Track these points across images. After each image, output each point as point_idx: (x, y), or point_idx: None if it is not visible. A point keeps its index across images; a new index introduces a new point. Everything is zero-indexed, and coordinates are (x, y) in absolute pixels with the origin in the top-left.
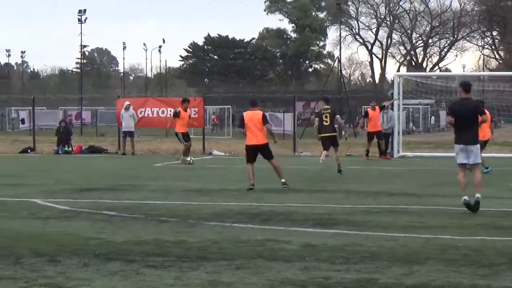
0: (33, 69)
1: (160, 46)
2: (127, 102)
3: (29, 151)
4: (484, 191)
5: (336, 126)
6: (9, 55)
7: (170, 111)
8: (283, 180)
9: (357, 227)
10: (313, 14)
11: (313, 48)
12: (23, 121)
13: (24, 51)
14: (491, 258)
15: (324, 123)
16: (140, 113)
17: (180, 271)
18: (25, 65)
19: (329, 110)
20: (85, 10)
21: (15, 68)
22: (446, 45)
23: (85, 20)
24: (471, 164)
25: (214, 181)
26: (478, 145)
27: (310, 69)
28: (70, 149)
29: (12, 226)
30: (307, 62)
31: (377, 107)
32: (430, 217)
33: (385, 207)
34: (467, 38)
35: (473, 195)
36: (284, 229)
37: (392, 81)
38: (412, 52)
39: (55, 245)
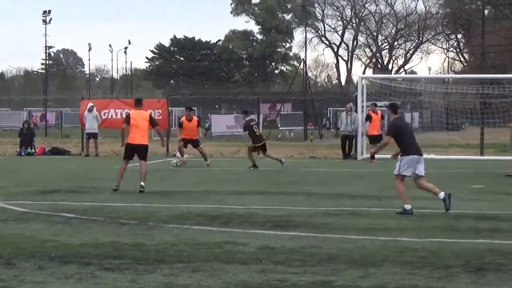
0: None
1: (126, 48)
2: (91, 104)
3: None
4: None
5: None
6: None
7: None
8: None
9: (316, 229)
10: (280, 16)
11: (279, 50)
12: None
13: None
14: (446, 260)
15: (256, 133)
16: (104, 114)
17: (136, 274)
18: None
19: (255, 122)
20: (49, 11)
21: None
22: (411, 47)
23: (49, 21)
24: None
25: (176, 183)
26: None
27: (276, 71)
28: (33, 150)
29: None
30: (273, 64)
31: (379, 111)
32: (389, 219)
33: (346, 209)
34: (432, 41)
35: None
36: (243, 231)
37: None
38: (378, 54)
39: (11, 247)
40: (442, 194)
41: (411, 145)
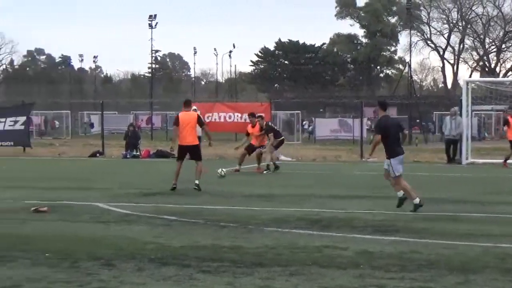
0: (106, 73)
1: (230, 51)
2: (194, 107)
3: (98, 155)
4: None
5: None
6: (82, 60)
7: (238, 116)
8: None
9: (417, 234)
10: (385, 19)
11: (384, 53)
12: (92, 125)
13: (97, 56)
14: None
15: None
16: (208, 118)
17: (233, 277)
18: (98, 70)
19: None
20: (155, 15)
21: (88, 72)
22: None
23: (155, 25)
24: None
25: (277, 186)
26: None
27: (381, 75)
28: (138, 153)
29: (73, 230)
30: (378, 67)
31: None
32: (491, 225)
33: (447, 215)
34: None
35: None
36: (343, 235)
37: None
38: (485, 58)
39: (112, 249)
40: (417, 200)
41: (398, 145)
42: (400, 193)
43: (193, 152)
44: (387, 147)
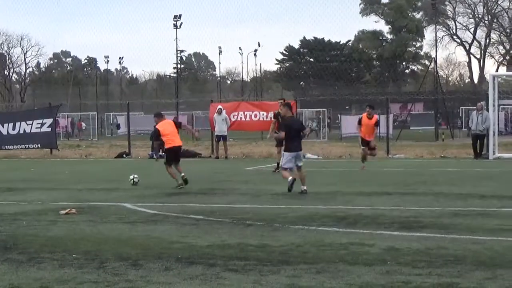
0: (132, 74)
1: (255, 50)
2: (220, 106)
3: (124, 155)
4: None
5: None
6: (107, 62)
7: (263, 115)
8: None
9: (444, 230)
10: (410, 15)
11: (409, 49)
12: (118, 126)
13: (122, 57)
14: None
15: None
16: (233, 117)
17: (260, 275)
18: (124, 71)
19: None
20: (180, 16)
21: (114, 74)
22: None
23: (180, 26)
24: (299, 166)
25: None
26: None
27: (407, 71)
28: (164, 153)
29: (100, 230)
30: (403, 63)
31: None
32: None
33: (475, 210)
34: None
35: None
36: (369, 232)
37: None
38: None
39: (139, 249)
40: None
41: (296, 142)
42: (290, 180)
43: (179, 152)
44: (285, 143)
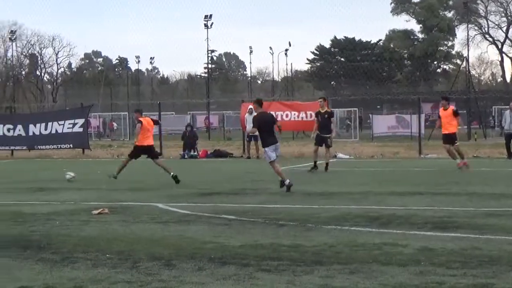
0: (163, 74)
1: (286, 50)
2: (251, 106)
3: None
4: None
5: None
6: (138, 62)
7: (295, 114)
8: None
9: (478, 230)
10: (441, 13)
11: (441, 48)
12: None
13: (153, 57)
14: None
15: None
16: None
17: (293, 275)
18: (155, 71)
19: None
20: (211, 16)
21: (145, 74)
22: None
23: (211, 26)
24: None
25: (336, 184)
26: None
27: (438, 70)
28: (196, 153)
29: (133, 230)
30: (435, 62)
31: None
32: None
33: (509, 210)
34: None
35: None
36: (402, 232)
37: None
38: None
39: (172, 249)
40: (287, 181)
41: (271, 135)
42: (288, 182)
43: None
44: (262, 138)
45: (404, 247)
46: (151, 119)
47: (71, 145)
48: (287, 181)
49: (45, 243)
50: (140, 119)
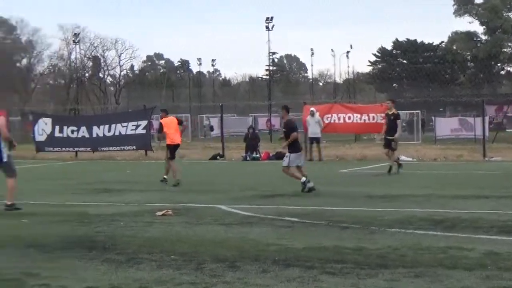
0: (224, 77)
1: (347, 52)
2: (312, 109)
3: (218, 157)
4: None
5: None
6: (200, 64)
7: (357, 117)
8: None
9: None
10: (505, 15)
11: (505, 50)
12: (211, 128)
13: (215, 59)
14: None
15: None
16: (326, 119)
17: (357, 278)
18: (217, 73)
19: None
20: (272, 18)
21: (206, 76)
22: None
23: (272, 28)
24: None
25: (399, 186)
26: None
27: (502, 72)
28: (258, 155)
29: (196, 232)
30: (499, 64)
31: None
32: None
33: None
34: None
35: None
36: (468, 236)
37: None
38: None
39: (235, 251)
40: (303, 178)
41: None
42: (303, 179)
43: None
44: (291, 144)
45: (470, 251)
46: (176, 118)
47: (134, 147)
48: (305, 179)
49: (110, 244)
50: (160, 120)
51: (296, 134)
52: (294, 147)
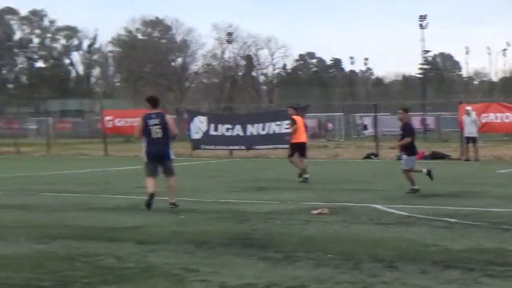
0: (377, 75)
1: (504, 49)
2: (468, 108)
3: (372, 157)
4: None
5: None
6: (352, 62)
7: None
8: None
9: None
10: None
11: None
12: (365, 127)
13: (367, 58)
14: None
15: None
16: (483, 118)
17: None
18: (369, 72)
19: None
20: (426, 16)
21: (359, 75)
22: None
23: (426, 26)
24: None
25: None
26: None
27: None
28: None
29: (353, 231)
30: None
31: None
32: None
33: None
34: None
35: None
36: None
37: None
38: None
39: (393, 250)
40: (425, 170)
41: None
42: (424, 171)
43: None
44: (412, 146)
45: None
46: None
47: (288, 146)
48: (424, 170)
49: (267, 242)
50: (293, 117)
51: (409, 139)
52: (410, 150)
